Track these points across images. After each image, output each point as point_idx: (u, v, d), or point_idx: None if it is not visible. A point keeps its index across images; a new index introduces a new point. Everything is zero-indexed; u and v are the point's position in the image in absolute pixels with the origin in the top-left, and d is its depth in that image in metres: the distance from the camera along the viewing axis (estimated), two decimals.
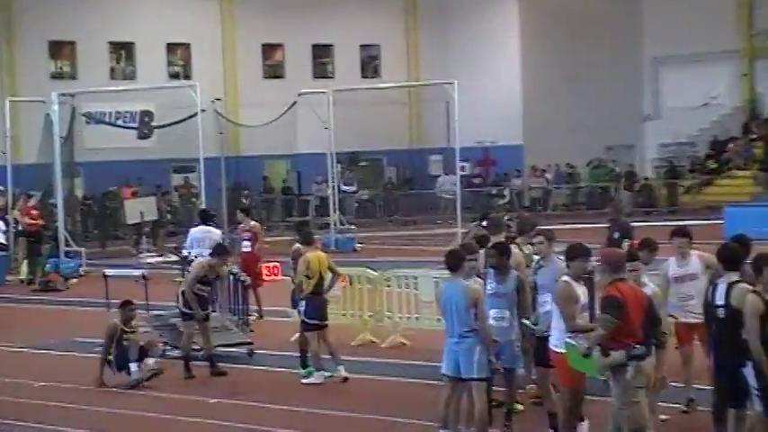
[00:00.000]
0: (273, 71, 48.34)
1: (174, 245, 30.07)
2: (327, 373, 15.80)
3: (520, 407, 13.32)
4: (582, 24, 47.68)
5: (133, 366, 15.88)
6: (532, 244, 13.25)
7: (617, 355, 10.19)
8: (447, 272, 12.07)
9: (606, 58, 47.93)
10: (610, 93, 47.45)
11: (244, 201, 39.17)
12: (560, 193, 47.59)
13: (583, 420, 11.77)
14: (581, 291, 11.16)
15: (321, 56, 49.24)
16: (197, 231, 22.01)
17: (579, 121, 46.43)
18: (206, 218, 23.11)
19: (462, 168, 38.84)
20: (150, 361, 15.99)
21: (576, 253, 11.29)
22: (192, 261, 18.82)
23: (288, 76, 47.40)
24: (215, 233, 22.17)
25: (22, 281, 29.39)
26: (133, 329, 16.21)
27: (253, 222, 22.63)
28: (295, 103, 36.48)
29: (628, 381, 10.21)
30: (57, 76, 44.10)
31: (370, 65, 50.17)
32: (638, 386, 10.28)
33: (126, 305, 16.34)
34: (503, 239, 13.96)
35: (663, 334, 11.06)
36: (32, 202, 31.46)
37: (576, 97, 46.96)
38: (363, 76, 48.74)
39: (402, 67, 49.58)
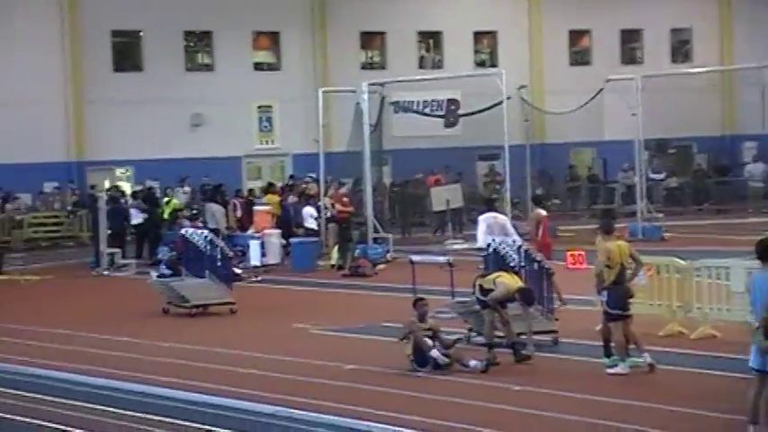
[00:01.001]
0: (580, 57, 47.94)
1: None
2: (633, 363, 15.51)
3: None
4: None
5: (434, 353, 16.03)
6: None
7: None
8: (758, 262, 11.65)
9: None
10: None
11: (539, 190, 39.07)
12: None
13: None
14: None
15: (629, 41, 48.41)
16: (486, 218, 23.31)
17: None
18: (492, 204, 24.92)
19: None
20: (472, 363, 16.02)
21: None
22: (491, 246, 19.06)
23: (594, 62, 46.90)
24: (501, 218, 23.79)
25: (332, 266, 30.25)
26: (429, 328, 16.27)
27: (537, 210, 24.00)
28: (602, 89, 36.02)
29: None
30: (367, 66, 45.27)
31: (680, 49, 48.94)
32: None
33: (418, 302, 16.48)
34: None
35: None
36: (344, 189, 32.31)
37: None
38: (673, 61, 47.57)
39: (714, 50, 48.07)
